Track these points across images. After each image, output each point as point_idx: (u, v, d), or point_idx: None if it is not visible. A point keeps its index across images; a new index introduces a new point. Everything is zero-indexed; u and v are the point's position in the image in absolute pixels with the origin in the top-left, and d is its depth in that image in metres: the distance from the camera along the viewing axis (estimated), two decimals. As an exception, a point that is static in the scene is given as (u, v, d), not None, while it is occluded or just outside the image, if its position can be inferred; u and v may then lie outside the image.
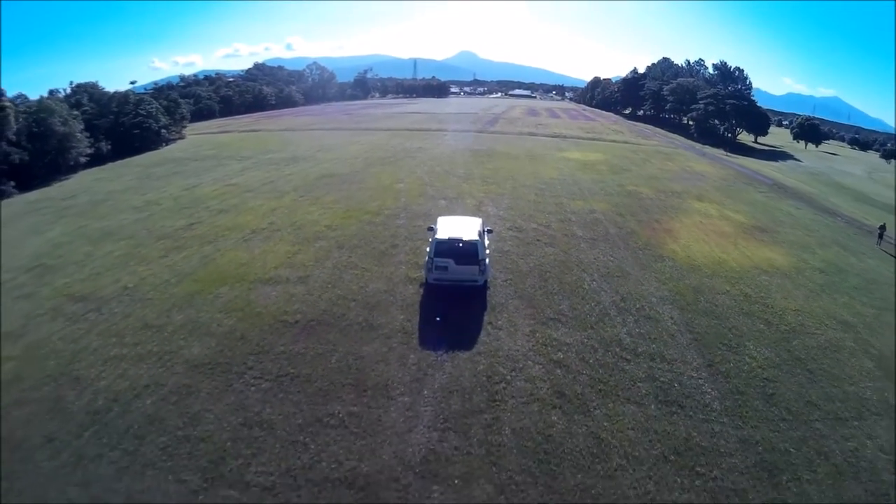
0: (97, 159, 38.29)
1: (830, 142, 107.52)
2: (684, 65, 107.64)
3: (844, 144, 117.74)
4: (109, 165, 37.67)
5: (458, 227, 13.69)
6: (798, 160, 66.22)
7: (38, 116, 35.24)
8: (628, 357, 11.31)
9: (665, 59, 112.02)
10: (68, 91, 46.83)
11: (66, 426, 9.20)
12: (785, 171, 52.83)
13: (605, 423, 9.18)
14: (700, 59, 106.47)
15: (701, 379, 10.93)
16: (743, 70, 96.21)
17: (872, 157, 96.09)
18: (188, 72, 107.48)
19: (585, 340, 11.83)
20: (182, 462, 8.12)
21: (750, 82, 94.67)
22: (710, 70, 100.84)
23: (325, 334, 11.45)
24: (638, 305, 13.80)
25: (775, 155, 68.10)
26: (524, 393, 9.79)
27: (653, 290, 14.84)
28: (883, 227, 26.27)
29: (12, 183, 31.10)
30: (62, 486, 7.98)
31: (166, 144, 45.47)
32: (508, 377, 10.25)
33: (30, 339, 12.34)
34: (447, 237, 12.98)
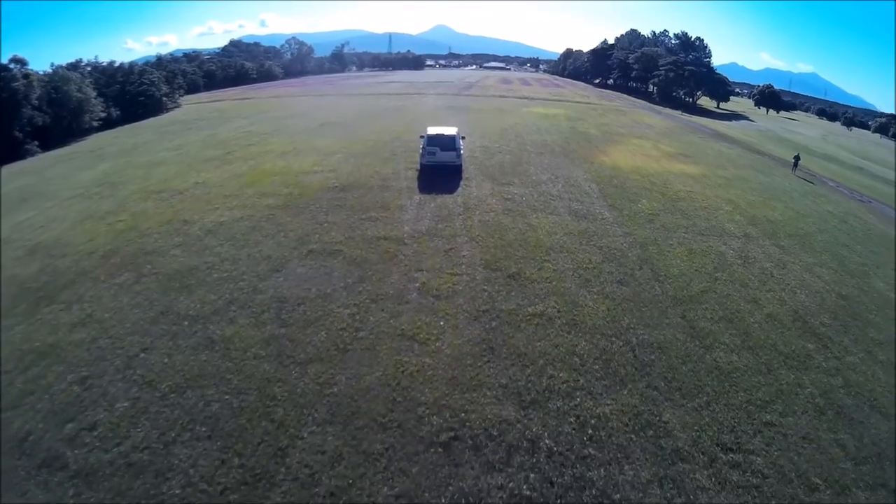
0: (107, 124, 42.28)
1: (797, 112, 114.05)
2: (650, 35, 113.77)
3: (812, 115, 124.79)
4: (120, 128, 41.56)
5: (442, 129, 19.63)
6: (752, 121, 71.82)
7: (55, 84, 39.24)
8: (554, 199, 17.22)
9: (632, 31, 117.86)
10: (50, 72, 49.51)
11: (188, 239, 13.54)
12: (733, 127, 57.89)
13: (535, 221, 15.09)
14: (665, 30, 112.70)
15: (604, 210, 16.81)
16: (703, 39, 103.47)
17: (837, 126, 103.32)
18: (163, 51, 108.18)
19: (526, 192, 17.75)
20: (280, 238, 13.47)
21: (709, 51, 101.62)
22: (673, 40, 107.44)
23: (356, 191, 17.07)
24: (566, 180, 19.73)
25: (731, 117, 72.79)
26: (486, 209, 15.72)
27: (579, 174, 20.78)
28: (797, 157, 30.91)
29: (36, 142, 35.37)
30: (195, 261, 12.21)
31: (167, 112, 49.31)
32: (475, 204, 16.16)
33: (130, 210, 15.96)
34: (435, 133, 19.03)
